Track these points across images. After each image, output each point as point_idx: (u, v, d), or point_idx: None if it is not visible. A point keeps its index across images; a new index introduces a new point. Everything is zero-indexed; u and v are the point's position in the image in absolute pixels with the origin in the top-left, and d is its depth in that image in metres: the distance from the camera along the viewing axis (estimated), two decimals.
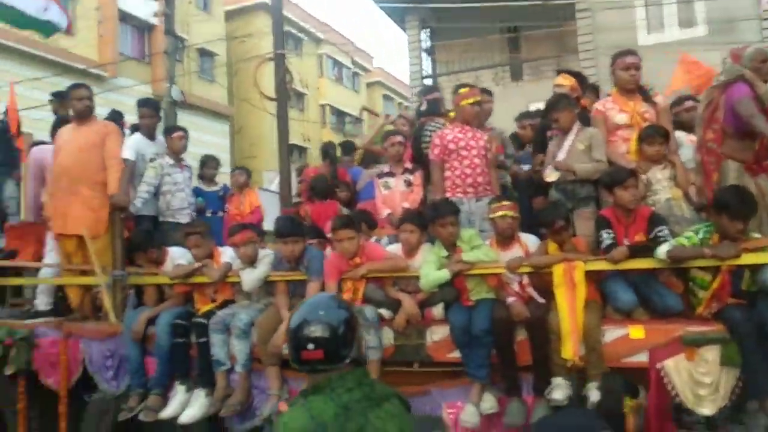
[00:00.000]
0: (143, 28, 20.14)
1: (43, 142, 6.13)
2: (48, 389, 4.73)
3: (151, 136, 5.56)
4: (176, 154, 5.57)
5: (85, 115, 5.04)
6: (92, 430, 4.52)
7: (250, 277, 4.16)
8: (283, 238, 4.06)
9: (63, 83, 9.66)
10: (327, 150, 6.81)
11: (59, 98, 6.97)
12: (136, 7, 18.77)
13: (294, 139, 21.35)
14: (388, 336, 3.79)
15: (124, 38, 19.68)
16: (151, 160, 5.38)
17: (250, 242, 4.20)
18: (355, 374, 1.82)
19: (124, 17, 19.23)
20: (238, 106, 22.24)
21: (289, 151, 8.55)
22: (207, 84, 22.29)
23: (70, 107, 6.32)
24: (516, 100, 16.17)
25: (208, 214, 5.95)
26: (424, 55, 14.94)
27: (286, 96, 8.39)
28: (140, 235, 4.90)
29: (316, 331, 1.80)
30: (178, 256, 4.59)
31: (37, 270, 5.43)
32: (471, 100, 4.53)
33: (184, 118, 13.16)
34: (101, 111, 9.11)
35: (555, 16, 13.16)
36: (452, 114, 4.84)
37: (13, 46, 15.59)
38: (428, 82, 14.52)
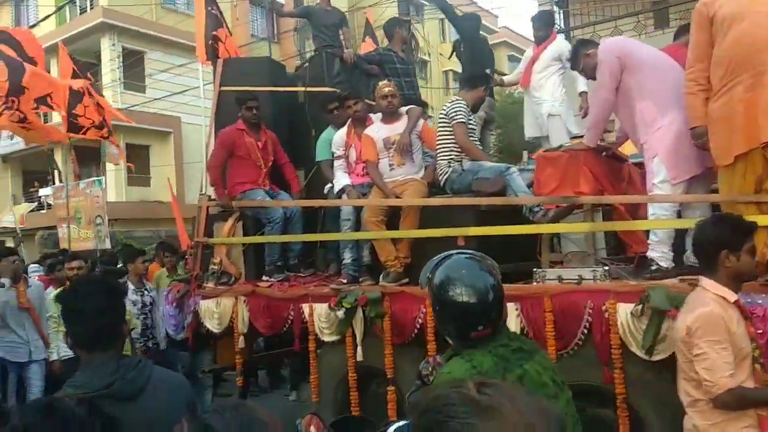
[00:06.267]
0: (272, 10, 20.95)
1: None
2: None
3: None
4: None
5: None
6: None
7: None
8: None
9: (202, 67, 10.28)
10: None
11: None
12: None
13: None
14: None
15: (254, 20, 20.62)
16: None
17: None
18: (504, 331, 1.84)
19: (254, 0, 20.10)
20: None
21: None
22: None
23: None
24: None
25: None
26: (555, 8, 14.03)
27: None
28: None
29: (488, 310, 1.77)
30: None
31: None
32: None
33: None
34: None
35: None
36: None
37: (164, 37, 17.02)
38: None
